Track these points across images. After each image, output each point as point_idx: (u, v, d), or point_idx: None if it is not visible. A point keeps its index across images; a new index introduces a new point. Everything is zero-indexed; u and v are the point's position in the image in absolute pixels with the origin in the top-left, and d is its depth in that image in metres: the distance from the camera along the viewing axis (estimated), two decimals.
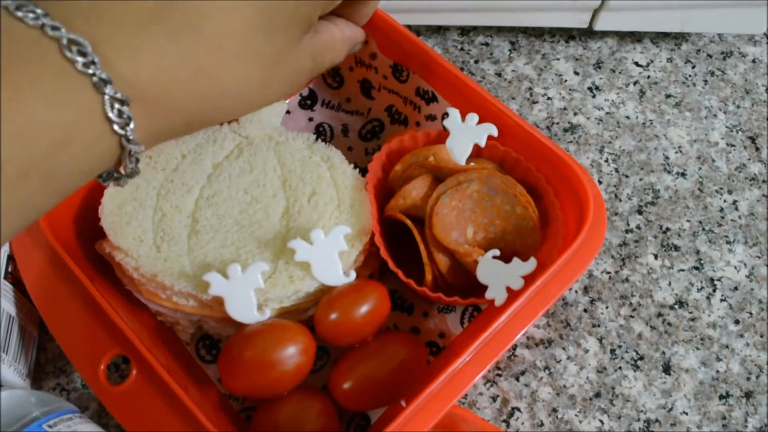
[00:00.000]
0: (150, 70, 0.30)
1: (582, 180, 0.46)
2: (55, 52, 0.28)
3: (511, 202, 0.46)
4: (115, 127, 0.30)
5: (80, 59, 0.29)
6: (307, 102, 0.56)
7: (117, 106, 0.30)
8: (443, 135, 0.48)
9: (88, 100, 0.29)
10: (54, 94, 0.28)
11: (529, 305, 0.44)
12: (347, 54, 0.45)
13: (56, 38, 0.29)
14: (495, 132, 0.47)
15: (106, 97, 0.29)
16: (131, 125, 0.30)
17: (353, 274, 0.45)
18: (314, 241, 0.44)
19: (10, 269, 0.46)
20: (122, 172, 0.34)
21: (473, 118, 0.47)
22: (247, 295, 0.43)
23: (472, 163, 0.48)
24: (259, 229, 0.46)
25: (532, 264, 0.44)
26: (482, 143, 0.47)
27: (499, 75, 0.59)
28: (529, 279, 0.43)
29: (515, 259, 0.44)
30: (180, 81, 0.31)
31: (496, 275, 0.44)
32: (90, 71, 0.29)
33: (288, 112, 0.55)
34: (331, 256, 0.44)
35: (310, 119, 0.56)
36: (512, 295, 0.43)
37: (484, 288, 0.44)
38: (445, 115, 0.48)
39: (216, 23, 0.32)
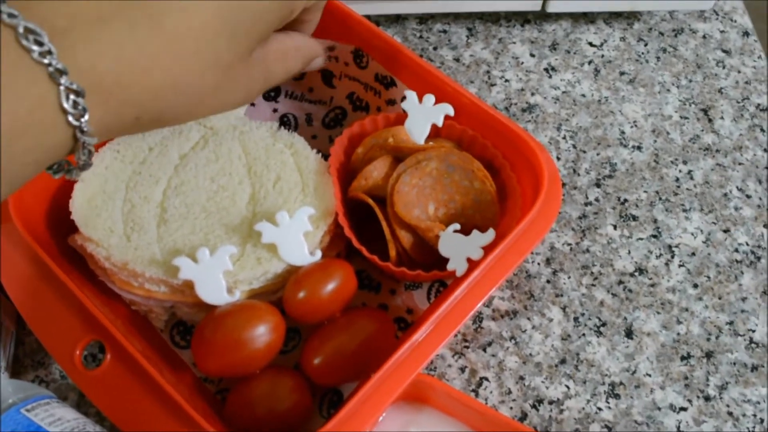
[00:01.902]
0: (107, 62, 0.31)
1: (536, 152, 0.47)
2: (12, 40, 0.29)
3: (469, 177, 0.48)
4: (70, 118, 0.30)
5: (36, 48, 0.29)
6: (271, 93, 0.58)
7: (72, 97, 0.30)
8: (402, 117, 0.50)
9: (44, 90, 0.29)
10: (9, 82, 0.28)
11: (489, 274, 0.45)
12: (303, 67, 0.44)
13: (13, 26, 0.29)
14: (451, 111, 0.49)
15: (62, 87, 0.29)
16: (86, 117, 0.30)
17: (319, 254, 0.46)
18: (280, 223, 0.45)
19: None
20: (74, 164, 0.34)
21: (430, 99, 0.49)
22: (216, 278, 0.44)
23: (431, 143, 0.49)
24: (227, 216, 0.48)
25: (490, 235, 0.45)
26: (439, 123, 0.49)
27: (457, 60, 0.61)
28: (488, 249, 0.45)
29: (474, 231, 0.45)
30: (135, 73, 0.31)
31: (457, 247, 0.45)
32: (46, 61, 0.29)
33: (252, 104, 0.57)
34: (296, 236, 0.46)
35: (275, 110, 0.57)
36: (472, 265, 0.45)
37: (447, 262, 0.45)
38: (403, 98, 0.49)
39: (177, 20, 0.32)
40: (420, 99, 0.49)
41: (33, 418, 0.41)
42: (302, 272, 0.45)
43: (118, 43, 0.31)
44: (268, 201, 0.48)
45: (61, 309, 0.45)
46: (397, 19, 0.63)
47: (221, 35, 0.34)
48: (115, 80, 0.31)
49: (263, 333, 0.43)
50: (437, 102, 0.49)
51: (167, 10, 0.32)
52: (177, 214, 0.48)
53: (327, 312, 0.46)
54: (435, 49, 0.61)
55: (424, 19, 0.63)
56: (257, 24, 0.36)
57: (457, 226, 0.46)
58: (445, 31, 0.62)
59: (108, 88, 0.31)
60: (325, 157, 0.50)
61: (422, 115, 0.49)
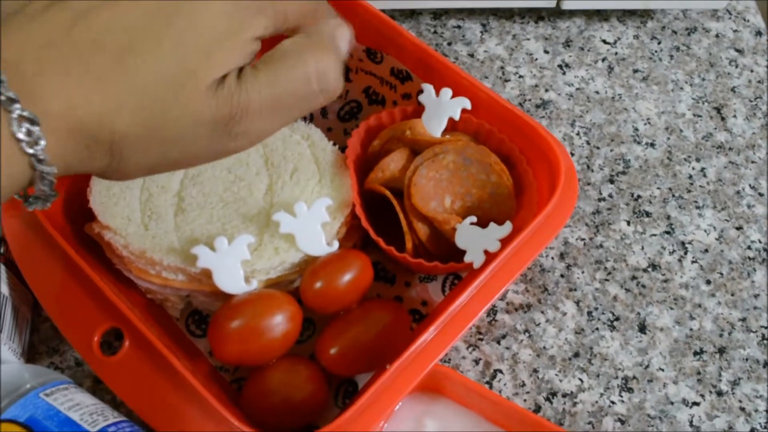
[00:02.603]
0: (63, 96, 0.29)
1: (553, 146, 0.47)
2: None
3: (486, 171, 0.48)
4: (24, 146, 0.29)
5: None
6: None
7: (26, 125, 0.28)
8: (419, 110, 0.50)
9: None
10: None
11: (506, 267, 0.46)
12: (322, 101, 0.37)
13: None
14: (468, 105, 0.49)
15: (14, 115, 0.28)
16: (41, 144, 0.29)
17: (336, 244, 0.46)
18: (298, 213, 0.46)
19: (2, 251, 0.47)
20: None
21: (447, 92, 0.49)
22: (234, 267, 0.44)
23: (447, 137, 0.50)
24: (244, 206, 0.48)
25: (507, 228, 0.45)
26: (456, 116, 0.49)
27: (471, 56, 0.61)
28: (504, 242, 0.45)
29: (492, 224, 0.46)
30: (93, 112, 0.30)
31: (474, 240, 0.45)
32: None
33: None
34: (314, 227, 0.46)
35: None
36: (489, 257, 0.45)
37: (463, 254, 0.46)
38: (420, 91, 0.50)
39: (140, 64, 0.31)
40: (437, 93, 0.49)
41: (52, 402, 0.42)
42: (319, 262, 0.46)
43: (76, 75, 0.30)
44: (285, 192, 0.48)
45: (79, 296, 0.45)
46: (412, 14, 0.63)
47: (175, 86, 0.31)
48: (70, 113, 0.30)
49: (280, 322, 0.44)
50: (454, 96, 0.49)
51: (129, 54, 0.30)
52: (194, 203, 0.48)
53: (343, 302, 0.46)
54: (449, 44, 0.61)
55: (438, 14, 0.63)
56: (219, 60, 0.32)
57: (474, 219, 0.46)
58: (459, 27, 0.62)
59: (62, 116, 0.30)
60: (342, 149, 0.50)
61: (439, 109, 0.49)
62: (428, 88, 0.49)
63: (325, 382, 0.45)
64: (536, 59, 0.61)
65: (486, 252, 0.45)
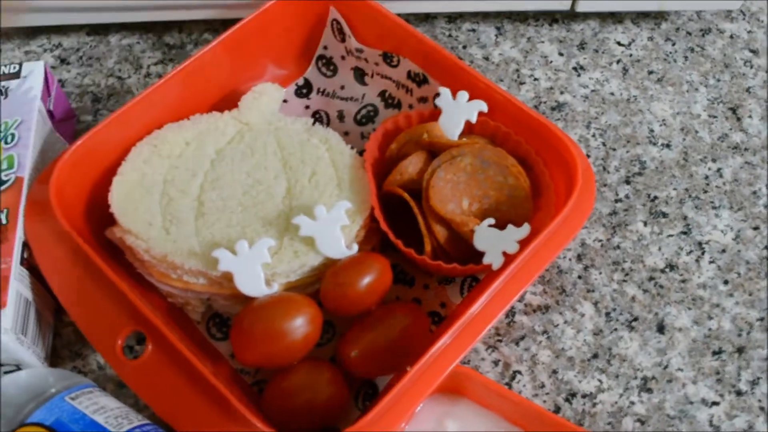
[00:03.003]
0: None
1: (569, 148, 0.48)
2: None
3: (504, 173, 0.48)
4: None
5: None
6: (303, 91, 0.58)
7: None
8: (435, 114, 0.50)
9: None
10: None
11: (524, 269, 0.46)
12: None
13: None
14: (485, 108, 0.49)
15: None
16: None
17: (355, 247, 0.47)
18: (317, 216, 0.46)
19: (25, 256, 0.48)
20: None
21: (464, 95, 0.49)
22: (255, 270, 0.45)
23: (464, 140, 0.50)
24: (263, 209, 0.48)
25: (526, 229, 0.46)
26: (473, 119, 0.49)
27: (486, 59, 0.61)
28: (523, 243, 0.45)
29: (510, 226, 0.46)
30: None
31: (493, 241, 0.46)
32: None
33: (285, 101, 0.57)
34: (333, 230, 0.46)
35: (307, 107, 0.58)
36: (508, 259, 0.45)
37: (481, 257, 0.46)
38: (437, 94, 0.50)
39: None
40: (453, 96, 0.50)
41: (77, 405, 0.42)
42: (339, 265, 0.46)
43: None
44: (304, 195, 0.49)
45: (101, 300, 0.45)
46: (427, 18, 0.63)
47: None
48: None
49: (301, 324, 0.44)
50: (471, 99, 0.49)
51: None
52: (214, 207, 0.48)
53: (363, 305, 0.46)
54: (464, 47, 0.62)
55: (453, 18, 0.63)
56: None
57: (492, 221, 0.46)
58: (474, 30, 0.63)
59: None
60: (359, 153, 0.51)
61: (456, 112, 0.50)
62: (445, 92, 0.50)
63: (346, 385, 0.46)
64: (551, 62, 0.61)
65: (505, 253, 0.45)
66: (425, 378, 0.43)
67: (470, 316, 0.44)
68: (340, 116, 0.57)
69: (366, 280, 0.45)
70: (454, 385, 0.45)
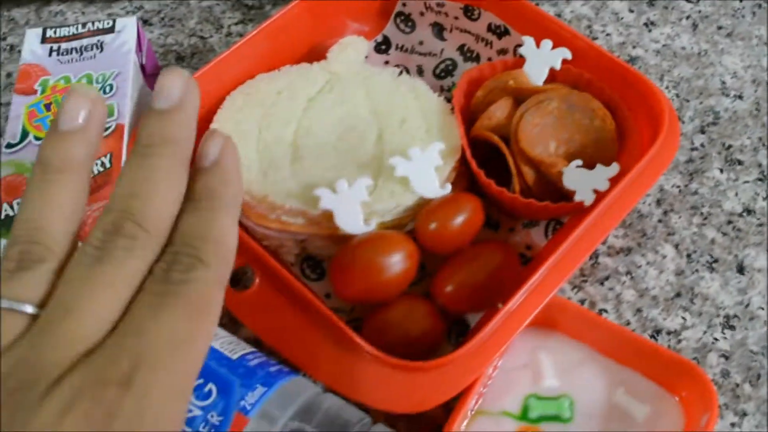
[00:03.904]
0: None
1: (655, 90, 0.49)
2: None
3: (590, 116, 0.50)
4: None
5: None
6: (382, 47, 0.60)
7: None
8: (519, 62, 0.52)
9: None
10: None
11: (609, 212, 0.47)
12: None
13: None
14: (569, 55, 0.51)
15: None
16: None
17: (449, 187, 0.48)
18: (412, 157, 0.48)
19: None
20: None
21: (547, 44, 0.51)
22: (354, 208, 0.46)
23: (549, 86, 0.51)
24: (356, 154, 0.50)
25: (615, 168, 0.47)
26: (557, 66, 0.51)
27: (558, 16, 0.63)
28: (612, 182, 0.47)
29: (599, 165, 0.47)
30: None
31: (583, 180, 0.47)
32: None
33: (365, 56, 0.59)
34: (428, 170, 0.48)
35: (386, 62, 0.59)
36: (599, 196, 0.47)
37: (565, 200, 0.47)
38: (518, 45, 0.52)
39: None
40: (537, 45, 0.51)
41: None
42: (434, 204, 0.47)
43: None
44: (395, 141, 0.50)
45: None
46: None
47: None
48: None
49: (399, 260, 0.46)
50: (554, 47, 0.51)
51: None
52: (309, 152, 0.50)
53: (456, 243, 0.48)
54: (536, 5, 0.63)
55: None
56: None
57: (580, 162, 0.48)
58: None
59: None
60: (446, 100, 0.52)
61: (540, 60, 0.51)
62: (529, 40, 0.51)
63: (441, 319, 0.47)
64: (622, 18, 0.62)
65: (595, 191, 0.47)
66: (517, 314, 0.45)
67: (559, 255, 0.46)
68: (419, 71, 0.59)
69: (459, 219, 0.47)
70: (547, 319, 0.47)
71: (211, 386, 0.41)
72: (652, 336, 0.49)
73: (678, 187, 0.55)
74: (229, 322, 0.50)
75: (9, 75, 0.62)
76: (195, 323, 0.28)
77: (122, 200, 0.29)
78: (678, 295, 0.51)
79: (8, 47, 0.64)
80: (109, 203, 0.30)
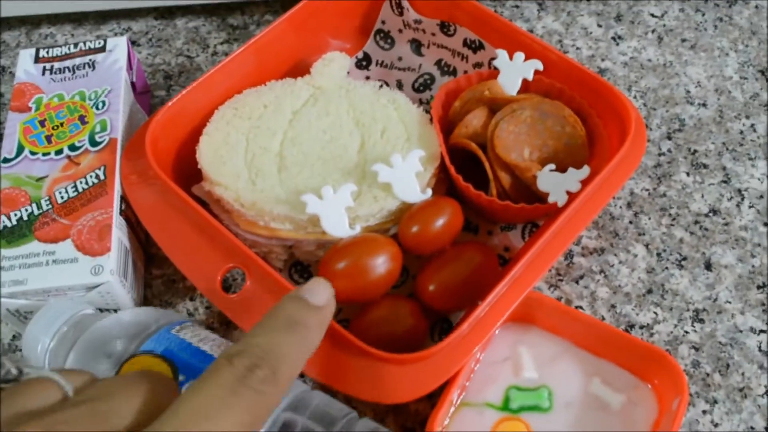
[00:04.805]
0: None
1: (622, 98, 0.52)
2: None
3: (561, 123, 0.52)
4: None
5: None
6: (363, 63, 0.63)
7: None
8: (494, 74, 0.55)
9: None
10: None
11: (580, 213, 0.50)
12: None
13: None
14: (541, 66, 0.54)
15: None
16: None
17: (429, 192, 0.51)
18: (393, 164, 0.50)
19: (123, 208, 0.51)
20: None
21: (520, 56, 0.54)
22: (340, 212, 0.49)
23: (523, 95, 0.54)
24: (341, 162, 0.52)
25: (586, 170, 0.50)
26: (530, 77, 0.54)
27: (531, 32, 0.66)
28: (584, 183, 0.49)
29: (571, 168, 0.50)
30: None
31: (556, 183, 0.50)
32: None
33: (347, 72, 0.61)
34: (409, 176, 0.50)
35: (367, 78, 0.62)
36: (571, 197, 0.49)
37: (540, 203, 0.50)
38: (493, 58, 0.54)
39: None
40: (510, 57, 0.54)
41: (183, 336, 0.46)
42: (415, 208, 0.50)
43: None
44: (377, 149, 0.53)
45: (198, 241, 0.49)
46: None
47: None
48: None
49: (384, 261, 0.48)
50: (526, 59, 0.54)
51: None
52: (295, 161, 0.52)
53: (438, 244, 0.50)
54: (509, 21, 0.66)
55: None
56: None
57: (553, 166, 0.50)
58: (517, 6, 0.67)
59: None
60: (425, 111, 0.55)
61: (514, 71, 0.54)
62: (502, 53, 0.54)
63: (424, 317, 0.49)
64: (591, 32, 0.66)
65: (568, 192, 0.49)
66: (497, 308, 0.47)
67: (534, 253, 0.48)
68: (399, 85, 0.62)
69: (440, 222, 0.49)
70: (525, 315, 0.49)
71: None
72: (625, 330, 0.52)
73: (647, 190, 0.57)
74: (221, 325, 0.52)
75: (1, 95, 0.64)
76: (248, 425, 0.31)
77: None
78: (649, 291, 0.53)
79: (0, 69, 0.66)
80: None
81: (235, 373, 0.31)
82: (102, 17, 0.68)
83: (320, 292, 0.39)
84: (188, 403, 0.30)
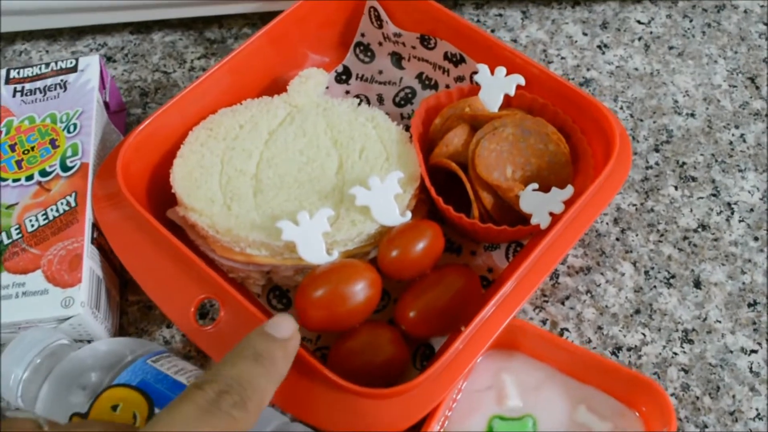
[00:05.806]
0: None
1: (606, 114, 0.51)
2: None
3: (544, 140, 0.51)
4: None
5: None
6: (343, 77, 0.61)
7: None
8: (475, 89, 0.53)
9: None
10: None
11: (566, 232, 0.49)
12: None
13: None
14: (522, 81, 0.52)
15: None
16: None
17: (409, 215, 0.49)
18: (372, 186, 0.49)
19: (95, 236, 0.50)
20: None
21: (501, 71, 0.52)
22: (316, 238, 0.47)
23: (504, 112, 0.53)
24: (318, 184, 0.51)
25: (569, 190, 0.48)
26: (512, 92, 0.52)
27: (515, 41, 0.64)
28: (567, 204, 0.48)
29: (554, 188, 0.49)
30: None
31: (539, 203, 0.48)
32: None
33: (326, 87, 0.60)
34: (388, 198, 0.49)
35: (347, 92, 0.61)
36: (555, 218, 0.48)
37: (524, 223, 0.49)
38: (474, 72, 0.53)
39: None
40: (491, 72, 0.52)
41: (159, 367, 0.44)
42: (395, 232, 0.48)
43: None
44: (355, 170, 0.51)
45: (172, 272, 0.48)
46: (455, 5, 0.66)
47: None
48: None
49: (363, 288, 0.46)
50: (508, 74, 0.52)
51: None
52: (271, 184, 0.51)
53: (418, 269, 0.49)
54: (493, 31, 0.65)
55: (480, 4, 0.67)
56: None
57: (536, 186, 0.49)
58: (501, 15, 0.66)
59: None
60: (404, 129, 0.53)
61: (495, 86, 0.52)
62: (483, 68, 0.52)
63: (405, 344, 0.48)
64: (576, 41, 0.64)
65: (551, 214, 0.48)
66: (479, 336, 0.46)
67: (519, 276, 0.47)
68: (380, 99, 0.60)
69: (420, 245, 0.48)
70: (509, 341, 0.48)
71: None
72: (613, 353, 0.50)
73: (634, 205, 0.56)
74: (198, 354, 0.51)
75: None
76: None
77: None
78: (637, 311, 0.52)
79: None
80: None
81: (206, 397, 0.34)
82: (77, 33, 0.66)
83: (284, 327, 0.40)
84: (163, 419, 0.33)
